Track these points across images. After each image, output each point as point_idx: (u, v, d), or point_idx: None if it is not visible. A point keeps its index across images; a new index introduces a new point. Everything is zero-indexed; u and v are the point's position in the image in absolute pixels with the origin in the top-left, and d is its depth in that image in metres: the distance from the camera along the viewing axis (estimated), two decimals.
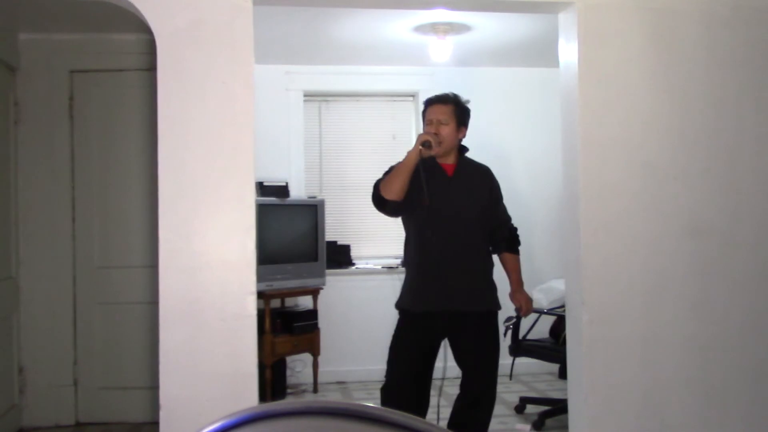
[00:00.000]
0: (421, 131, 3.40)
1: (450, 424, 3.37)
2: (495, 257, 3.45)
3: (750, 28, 3.31)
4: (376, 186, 3.29)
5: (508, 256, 3.45)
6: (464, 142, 3.42)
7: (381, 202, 3.27)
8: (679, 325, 3.22)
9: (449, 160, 3.34)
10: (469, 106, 3.38)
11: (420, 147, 3.16)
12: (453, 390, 3.43)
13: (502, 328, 3.45)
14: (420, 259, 3.29)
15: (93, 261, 4.67)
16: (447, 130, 3.27)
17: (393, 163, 3.41)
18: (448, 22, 4.74)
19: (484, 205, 3.35)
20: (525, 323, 4.57)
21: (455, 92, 3.39)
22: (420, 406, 3.30)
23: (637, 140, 3.20)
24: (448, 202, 3.26)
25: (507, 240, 3.44)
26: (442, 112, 3.27)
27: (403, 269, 3.52)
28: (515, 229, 3.50)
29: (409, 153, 3.21)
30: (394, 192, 3.19)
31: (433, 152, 3.21)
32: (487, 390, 3.33)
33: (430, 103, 3.34)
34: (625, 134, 3.19)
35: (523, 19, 4.65)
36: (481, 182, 3.40)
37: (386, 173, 3.33)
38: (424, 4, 3.66)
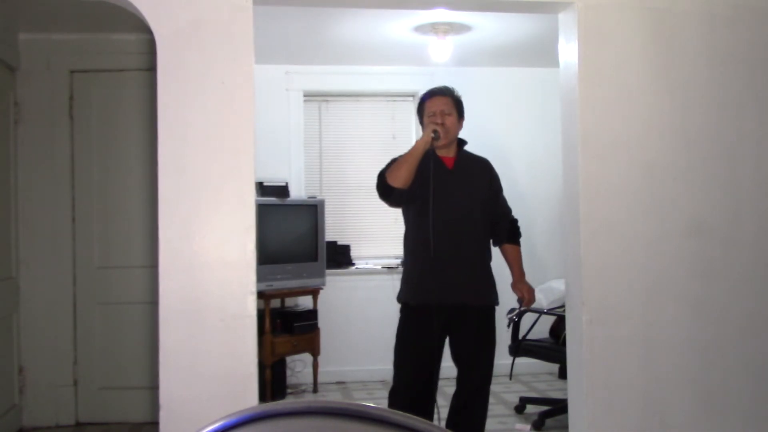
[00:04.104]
0: (421, 129, 3.42)
1: (448, 424, 3.38)
2: (494, 251, 3.46)
3: (750, 28, 3.31)
4: (381, 175, 3.29)
5: (509, 247, 3.46)
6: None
7: (387, 190, 3.25)
8: (679, 325, 3.21)
9: (449, 153, 3.36)
10: (462, 99, 3.42)
11: (432, 136, 3.18)
12: (452, 390, 3.44)
13: (505, 321, 3.46)
14: (420, 252, 3.29)
15: (93, 261, 4.67)
16: (451, 120, 3.31)
17: (395, 155, 3.42)
18: (448, 22, 4.74)
19: (484, 198, 3.37)
20: (525, 323, 4.57)
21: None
22: (428, 408, 3.31)
23: (637, 140, 3.20)
24: (449, 194, 3.27)
25: (508, 231, 3.45)
26: (444, 103, 3.32)
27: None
28: (516, 220, 3.52)
29: (418, 141, 3.24)
30: (400, 180, 3.19)
31: (439, 143, 3.23)
32: (482, 386, 3.34)
33: (430, 95, 3.38)
34: (625, 134, 3.19)
35: (523, 19, 4.65)
36: (481, 175, 3.41)
37: (389, 165, 3.33)
38: (424, 4, 3.65)
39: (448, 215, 3.25)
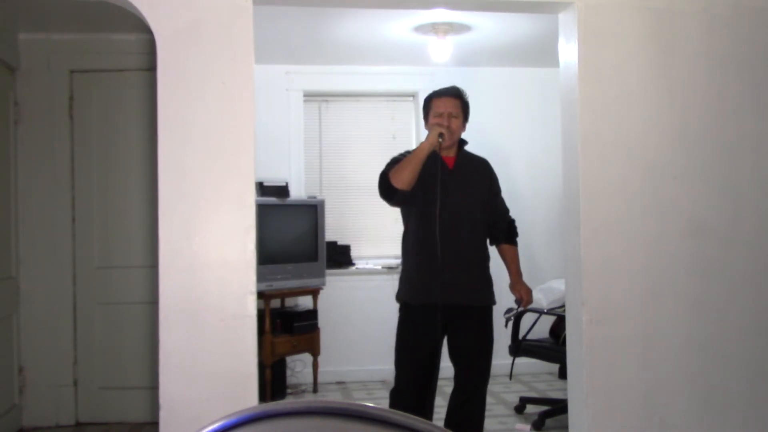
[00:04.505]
0: (423, 127, 3.40)
1: (447, 423, 3.38)
2: (492, 251, 3.46)
3: (750, 28, 3.31)
4: (384, 176, 3.28)
5: (506, 247, 3.47)
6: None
7: (390, 191, 3.24)
8: (679, 325, 3.21)
9: (450, 153, 3.36)
10: (469, 102, 3.41)
11: (438, 140, 3.17)
12: (450, 389, 3.44)
13: (502, 320, 3.46)
14: (420, 252, 3.29)
15: (93, 261, 4.67)
16: (457, 123, 3.30)
17: (395, 154, 3.42)
18: (448, 22, 4.74)
19: (484, 198, 3.37)
20: (525, 323, 4.57)
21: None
22: (428, 407, 3.31)
23: (637, 140, 3.20)
24: (449, 194, 3.27)
25: (505, 231, 3.46)
26: (454, 105, 3.30)
27: None
28: (513, 220, 3.52)
29: (422, 144, 3.22)
30: (404, 181, 3.18)
31: (443, 145, 3.23)
32: (480, 384, 3.35)
33: (439, 95, 3.34)
34: (625, 134, 3.19)
35: (523, 19, 4.65)
36: (481, 175, 3.42)
37: (389, 165, 3.32)
38: (424, 4, 3.65)
39: (449, 215, 3.25)
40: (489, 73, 6.00)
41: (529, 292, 3.44)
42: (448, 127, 3.24)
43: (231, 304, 2.83)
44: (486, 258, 3.39)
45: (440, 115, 3.27)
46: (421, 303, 3.27)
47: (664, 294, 3.20)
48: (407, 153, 3.44)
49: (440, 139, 3.19)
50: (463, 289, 3.26)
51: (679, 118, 3.24)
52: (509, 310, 3.38)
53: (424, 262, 3.27)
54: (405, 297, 3.35)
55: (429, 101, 3.37)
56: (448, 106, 3.29)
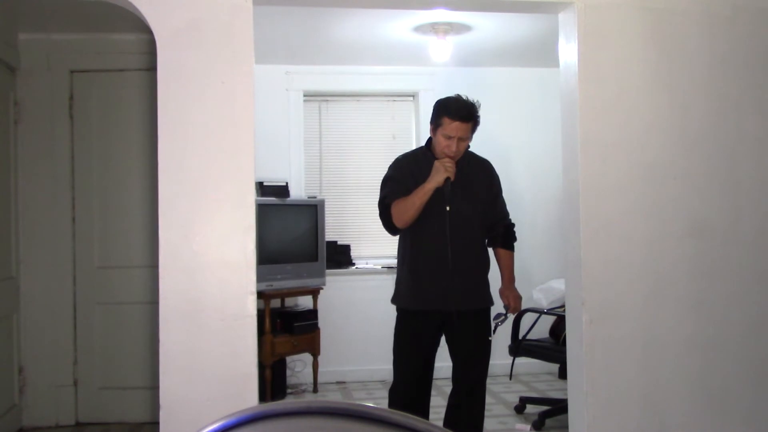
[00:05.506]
0: (429, 131, 3.35)
1: (446, 422, 3.39)
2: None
3: (750, 28, 3.31)
4: (385, 208, 3.28)
5: (502, 251, 3.44)
6: None
7: (392, 227, 3.31)
8: (679, 325, 3.21)
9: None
10: (479, 117, 3.29)
11: (444, 183, 3.18)
12: (449, 389, 3.44)
13: (492, 324, 3.45)
14: (419, 257, 3.29)
15: (93, 261, 4.67)
16: (465, 145, 3.27)
17: (392, 159, 3.40)
18: (448, 22, 4.75)
19: (484, 200, 3.36)
20: (525, 323, 4.57)
21: (467, 95, 3.29)
22: (425, 406, 3.32)
23: (638, 140, 3.20)
24: (449, 198, 3.26)
25: (503, 235, 3.43)
26: (465, 130, 3.21)
27: None
28: (513, 225, 3.48)
29: (428, 184, 3.17)
30: (407, 222, 3.22)
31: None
32: (479, 382, 3.35)
33: (452, 117, 3.18)
34: (625, 134, 3.19)
35: (523, 19, 4.65)
36: (482, 177, 3.40)
37: (386, 186, 3.32)
38: (424, 4, 3.65)
39: (448, 219, 3.24)
40: (489, 73, 6.00)
41: (517, 299, 3.40)
42: (456, 150, 3.21)
43: (231, 304, 2.83)
44: (486, 261, 3.38)
45: (449, 138, 3.19)
46: (422, 309, 3.27)
47: (664, 294, 3.20)
48: (403, 158, 3.43)
49: (445, 183, 3.18)
50: (464, 293, 3.26)
51: (680, 118, 3.24)
52: (497, 316, 3.37)
53: (424, 267, 3.26)
54: (402, 303, 3.35)
55: (441, 115, 3.22)
56: (459, 131, 3.18)
